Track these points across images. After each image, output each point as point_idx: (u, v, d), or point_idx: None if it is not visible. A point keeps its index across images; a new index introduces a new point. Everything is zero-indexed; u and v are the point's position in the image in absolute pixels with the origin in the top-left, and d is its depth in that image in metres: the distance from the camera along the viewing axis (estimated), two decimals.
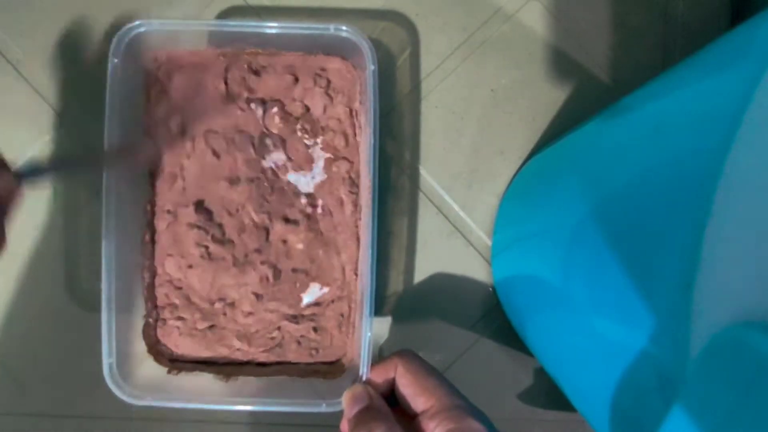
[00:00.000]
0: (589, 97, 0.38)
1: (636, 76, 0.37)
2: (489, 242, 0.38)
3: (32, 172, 0.26)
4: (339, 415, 0.28)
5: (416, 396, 0.26)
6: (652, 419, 0.19)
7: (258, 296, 0.35)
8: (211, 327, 0.35)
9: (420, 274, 0.38)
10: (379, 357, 0.37)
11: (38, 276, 0.37)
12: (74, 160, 0.31)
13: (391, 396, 0.28)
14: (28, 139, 0.37)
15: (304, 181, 0.36)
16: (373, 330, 0.30)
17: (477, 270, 0.38)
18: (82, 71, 0.37)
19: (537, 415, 0.38)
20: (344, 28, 0.32)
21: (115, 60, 0.31)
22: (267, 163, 0.35)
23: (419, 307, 0.38)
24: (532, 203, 0.33)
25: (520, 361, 0.38)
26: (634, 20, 0.38)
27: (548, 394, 0.38)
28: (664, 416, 0.18)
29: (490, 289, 0.38)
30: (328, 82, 0.35)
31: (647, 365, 0.20)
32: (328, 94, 0.35)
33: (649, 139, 0.22)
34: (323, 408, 0.31)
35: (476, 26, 0.38)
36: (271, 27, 0.32)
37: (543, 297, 0.29)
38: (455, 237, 0.38)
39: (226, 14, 0.37)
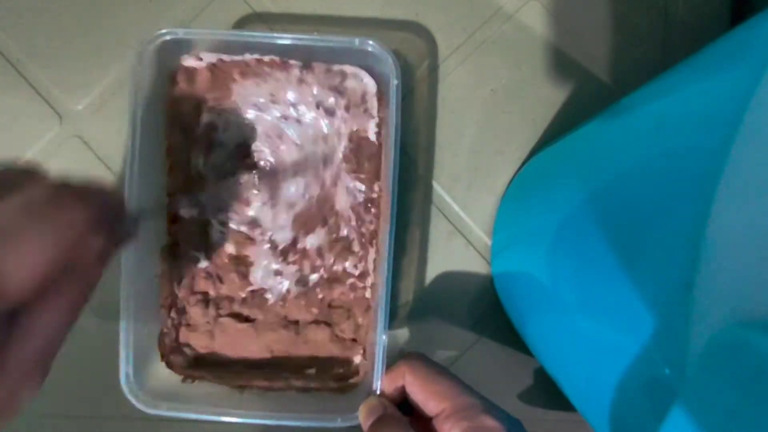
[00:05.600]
0: (589, 97, 0.38)
1: (636, 76, 0.37)
2: (489, 242, 0.38)
3: (141, 217, 0.26)
4: (354, 430, 0.28)
5: (427, 401, 0.26)
6: (651, 419, 0.19)
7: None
8: (228, 320, 0.36)
9: (420, 275, 0.38)
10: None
11: None
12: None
13: (407, 403, 0.28)
14: (28, 139, 0.37)
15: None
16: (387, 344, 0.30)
17: (477, 270, 0.38)
18: (82, 71, 0.37)
19: (537, 415, 0.38)
20: (371, 42, 0.31)
21: (139, 68, 0.31)
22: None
23: (419, 307, 0.38)
24: (532, 203, 0.33)
25: (520, 361, 0.38)
26: (634, 20, 0.38)
27: (548, 394, 0.38)
28: (663, 416, 0.18)
29: (490, 289, 0.38)
30: (347, 94, 0.35)
31: (647, 365, 0.20)
32: (348, 107, 0.35)
33: (649, 139, 0.22)
34: (338, 423, 0.30)
35: (476, 26, 0.38)
36: (296, 38, 0.31)
37: (542, 297, 0.29)
38: (455, 237, 0.38)
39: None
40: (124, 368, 0.31)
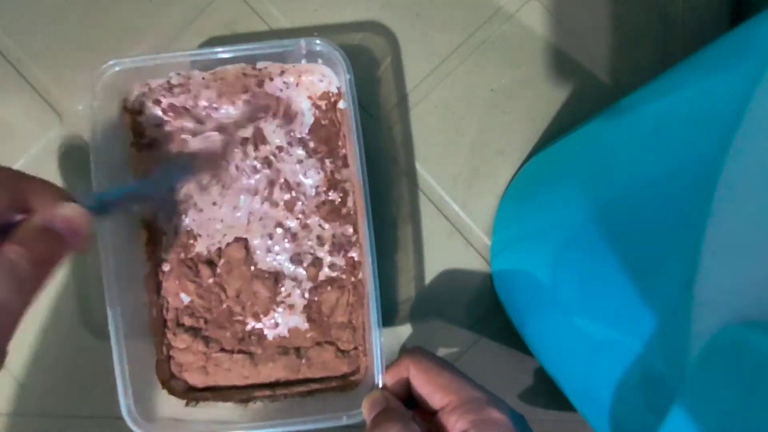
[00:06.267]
0: (589, 97, 0.38)
1: (636, 77, 0.38)
2: (489, 242, 0.38)
3: (100, 205, 0.24)
4: (360, 426, 0.28)
5: (432, 394, 0.26)
6: (651, 419, 0.19)
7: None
8: (222, 355, 0.35)
9: (420, 274, 0.38)
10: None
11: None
12: (143, 186, 0.29)
13: (411, 398, 0.28)
14: (28, 139, 0.37)
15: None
16: (384, 338, 0.30)
17: (477, 270, 0.38)
18: (81, 70, 0.37)
19: (537, 415, 0.38)
20: (317, 41, 0.31)
21: (96, 103, 0.31)
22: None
23: (419, 307, 0.38)
24: (532, 203, 0.33)
25: (520, 361, 0.38)
26: (634, 21, 0.38)
27: (548, 394, 0.38)
28: (663, 416, 0.18)
29: (490, 289, 0.38)
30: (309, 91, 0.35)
31: (647, 365, 0.20)
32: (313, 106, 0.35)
33: (649, 139, 0.22)
34: (344, 421, 0.30)
35: (476, 26, 0.38)
36: (243, 49, 0.31)
37: (542, 297, 0.29)
38: (455, 237, 0.38)
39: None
40: (124, 401, 0.30)
